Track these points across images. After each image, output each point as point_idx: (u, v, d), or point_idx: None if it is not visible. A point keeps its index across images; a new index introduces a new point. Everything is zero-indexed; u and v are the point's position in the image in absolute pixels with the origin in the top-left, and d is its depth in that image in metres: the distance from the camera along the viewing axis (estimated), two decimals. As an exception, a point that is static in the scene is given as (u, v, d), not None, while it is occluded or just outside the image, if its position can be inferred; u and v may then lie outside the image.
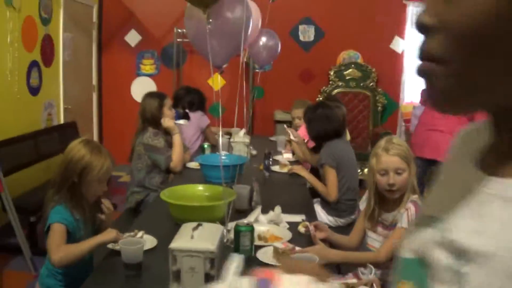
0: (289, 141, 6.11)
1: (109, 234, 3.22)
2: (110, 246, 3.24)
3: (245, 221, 3.23)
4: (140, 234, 3.30)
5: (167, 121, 5.69)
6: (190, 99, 7.16)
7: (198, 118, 7.27)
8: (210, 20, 3.33)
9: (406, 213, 3.34)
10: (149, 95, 5.94)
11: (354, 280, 3.08)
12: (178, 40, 9.99)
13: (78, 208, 3.37)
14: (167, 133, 5.86)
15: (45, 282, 3.41)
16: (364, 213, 3.74)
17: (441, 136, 6.34)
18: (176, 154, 5.61)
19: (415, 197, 3.41)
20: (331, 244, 3.79)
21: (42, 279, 3.43)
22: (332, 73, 10.43)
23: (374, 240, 3.66)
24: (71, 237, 3.26)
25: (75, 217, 3.34)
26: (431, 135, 6.46)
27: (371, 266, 3.34)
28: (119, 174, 9.67)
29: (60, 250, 3.14)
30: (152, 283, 2.81)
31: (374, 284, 3.06)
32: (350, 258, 3.49)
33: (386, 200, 3.57)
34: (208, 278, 2.64)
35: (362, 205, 3.85)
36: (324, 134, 5.30)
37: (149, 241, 3.30)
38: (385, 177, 3.45)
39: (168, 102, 5.88)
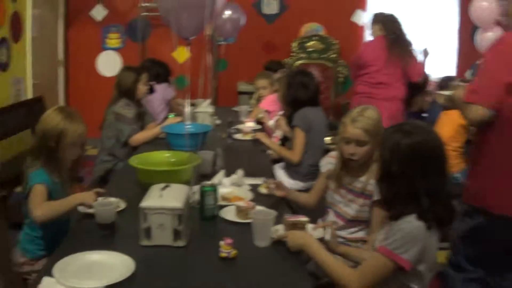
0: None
1: (89, 194, 3.40)
2: (81, 209, 3.40)
3: (209, 182, 3.45)
4: (112, 200, 3.49)
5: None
6: (155, 72, 7.17)
7: (163, 90, 7.40)
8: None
9: None
10: (127, 68, 6.09)
11: (306, 218, 3.23)
12: (144, 14, 10.09)
13: (56, 172, 3.57)
14: (139, 105, 6.06)
15: (24, 248, 3.61)
16: (328, 174, 3.91)
17: (376, 103, 6.54)
18: (144, 135, 5.74)
19: None
20: (289, 203, 4.03)
21: (21, 245, 3.62)
22: (294, 45, 10.63)
23: (337, 201, 3.84)
24: (51, 199, 3.43)
25: (54, 180, 3.53)
26: (366, 102, 6.65)
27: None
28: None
29: (43, 206, 3.31)
30: (125, 241, 3.00)
31: (326, 227, 3.24)
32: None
33: (351, 165, 3.72)
34: (176, 233, 2.90)
35: (323, 167, 4.04)
36: (300, 100, 5.46)
37: (120, 204, 3.52)
38: (347, 145, 3.60)
39: (144, 77, 6.03)
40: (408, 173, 2.58)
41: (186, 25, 3.80)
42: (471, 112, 3.46)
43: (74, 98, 10.45)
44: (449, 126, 6.24)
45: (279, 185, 3.85)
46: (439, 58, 9.39)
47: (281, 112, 6.09)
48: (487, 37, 8.47)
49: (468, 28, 9.86)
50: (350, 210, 3.74)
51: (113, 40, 10.47)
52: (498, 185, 3.44)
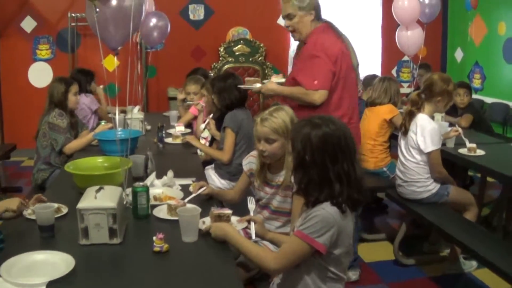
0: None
1: (12, 200, 3.49)
2: (25, 214, 3.55)
3: (141, 183, 3.64)
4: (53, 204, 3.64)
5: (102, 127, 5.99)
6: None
7: (88, 101, 7.54)
8: (97, 10, 3.74)
9: None
10: (58, 80, 6.16)
11: (230, 211, 3.50)
12: (73, 24, 10.18)
13: None
14: (72, 115, 6.19)
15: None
16: (251, 173, 4.16)
17: None
18: (77, 142, 5.86)
19: None
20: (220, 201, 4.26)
21: None
22: (222, 49, 10.86)
23: (262, 197, 4.07)
24: None
25: None
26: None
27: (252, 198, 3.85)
28: (21, 159, 9.85)
29: None
30: (66, 242, 3.17)
31: (252, 221, 3.49)
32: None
33: (266, 161, 3.96)
34: (112, 232, 3.11)
35: (245, 166, 4.23)
36: (235, 102, 5.68)
37: (62, 209, 3.68)
38: (259, 143, 3.86)
39: (74, 88, 6.14)
40: (320, 161, 2.81)
41: (113, 36, 3.98)
42: (317, 95, 4.71)
43: (7, 110, 10.46)
44: (373, 122, 6.53)
45: (203, 185, 4.04)
46: (364, 56, 9.60)
47: (210, 116, 6.26)
48: (406, 35, 8.77)
49: (391, 26, 10.12)
50: (274, 201, 3.98)
51: (43, 51, 10.50)
52: None
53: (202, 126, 6.30)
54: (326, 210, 2.77)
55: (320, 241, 2.74)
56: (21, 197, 3.70)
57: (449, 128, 6.04)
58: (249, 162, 4.22)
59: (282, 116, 3.84)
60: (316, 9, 4.91)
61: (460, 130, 5.89)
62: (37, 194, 3.80)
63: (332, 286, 2.94)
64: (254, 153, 4.19)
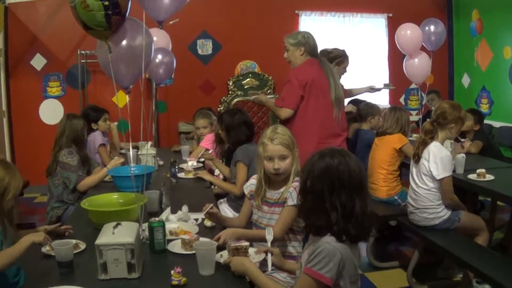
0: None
1: (39, 234, 3.51)
2: (44, 250, 3.59)
3: (157, 219, 3.71)
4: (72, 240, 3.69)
5: (113, 163, 6.02)
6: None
7: (93, 139, 7.29)
8: (111, 50, 3.81)
9: (295, 191, 3.84)
10: (69, 116, 6.23)
11: (247, 243, 3.53)
12: (82, 61, 10.27)
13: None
14: (83, 152, 6.19)
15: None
16: (251, 194, 4.26)
17: None
18: (91, 179, 5.88)
19: (298, 178, 3.84)
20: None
21: None
22: (231, 83, 10.97)
23: (261, 217, 4.16)
24: None
25: None
26: None
27: (270, 228, 3.86)
28: (34, 195, 9.90)
29: None
30: (84, 277, 3.22)
31: (269, 253, 3.53)
32: (250, 234, 3.94)
33: (273, 181, 4.08)
34: (130, 266, 3.17)
35: (245, 189, 4.31)
36: (245, 138, 5.79)
37: (80, 245, 3.74)
38: (271, 162, 3.96)
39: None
40: (318, 189, 2.90)
41: (124, 75, 4.06)
42: (282, 112, 5.96)
43: (19, 147, 10.53)
44: (384, 151, 6.59)
45: (211, 215, 4.15)
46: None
47: (210, 151, 6.37)
48: (413, 64, 8.83)
49: (398, 55, 10.28)
50: (274, 222, 4.02)
51: (54, 88, 10.60)
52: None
53: (194, 163, 6.43)
54: (331, 244, 2.83)
55: (328, 276, 2.79)
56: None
57: (460, 155, 6.07)
58: (250, 184, 4.33)
59: (285, 131, 4.08)
60: (307, 46, 6.05)
61: (466, 139, 6.04)
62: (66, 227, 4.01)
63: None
64: (254, 176, 4.32)
